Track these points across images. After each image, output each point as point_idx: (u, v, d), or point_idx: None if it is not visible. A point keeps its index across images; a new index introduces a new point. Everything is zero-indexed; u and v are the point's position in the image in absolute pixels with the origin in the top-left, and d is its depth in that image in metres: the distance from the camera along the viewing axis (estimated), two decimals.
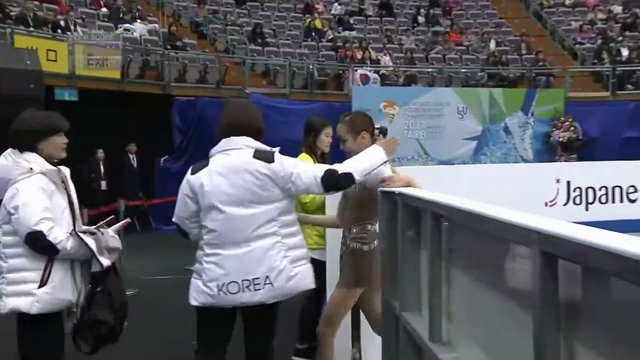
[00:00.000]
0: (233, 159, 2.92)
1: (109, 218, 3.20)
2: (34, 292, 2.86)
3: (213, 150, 3.00)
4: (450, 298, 1.96)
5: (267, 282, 2.86)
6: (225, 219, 2.88)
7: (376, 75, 15.66)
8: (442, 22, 19.17)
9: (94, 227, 3.02)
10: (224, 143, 2.98)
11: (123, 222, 3.36)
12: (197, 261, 2.99)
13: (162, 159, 13.17)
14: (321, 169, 2.98)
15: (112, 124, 11.87)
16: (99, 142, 12.23)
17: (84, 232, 2.95)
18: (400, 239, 2.51)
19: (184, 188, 2.99)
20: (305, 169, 2.97)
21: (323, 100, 14.82)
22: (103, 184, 12.18)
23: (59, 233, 2.87)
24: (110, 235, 3.03)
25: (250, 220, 2.87)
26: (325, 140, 4.33)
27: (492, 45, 17.92)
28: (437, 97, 15.00)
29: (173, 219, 3.03)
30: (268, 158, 2.94)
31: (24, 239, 2.83)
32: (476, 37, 18.63)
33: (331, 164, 3.15)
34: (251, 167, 2.90)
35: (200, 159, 3.11)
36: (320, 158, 4.25)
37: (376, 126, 3.78)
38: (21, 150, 2.94)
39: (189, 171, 3.00)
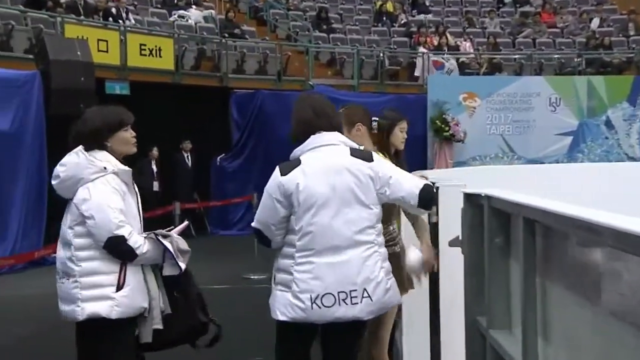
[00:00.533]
0: (331, 158, 2.95)
1: (169, 228, 3.26)
2: (113, 295, 2.97)
3: (301, 148, 3.01)
4: (547, 315, 1.89)
5: (365, 295, 2.86)
6: (322, 223, 2.89)
7: (454, 64, 15.46)
8: (532, 1, 18.71)
9: (166, 229, 3.16)
10: (315, 140, 2.99)
11: (183, 225, 3.48)
12: (280, 271, 2.98)
13: (218, 158, 13.41)
14: (420, 180, 3.04)
15: (165, 120, 12.19)
16: (151, 139, 12.57)
17: (157, 234, 3.08)
18: (487, 248, 2.45)
19: (272, 191, 2.98)
20: (405, 175, 3.03)
21: (395, 92, 14.77)
22: (155, 185, 12.50)
23: (138, 237, 3.01)
24: (179, 237, 3.13)
25: (350, 224, 2.90)
26: (399, 135, 4.33)
27: (594, 25, 17.31)
28: (526, 87, 14.71)
29: (253, 224, 3.04)
30: (367, 157, 2.98)
31: (103, 243, 2.96)
32: (573, 17, 18.09)
33: (408, 165, 3.18)
34: (353, 166, 2.93)
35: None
36: (394, 156, 4.23)
37: (373, 119, 3.87)
38: (90, 149, 3.06)
39: (277, 172, 2.99)
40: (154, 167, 12.66)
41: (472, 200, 2.69)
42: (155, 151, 12.64)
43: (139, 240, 2.99)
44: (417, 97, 14.59)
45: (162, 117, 11.97)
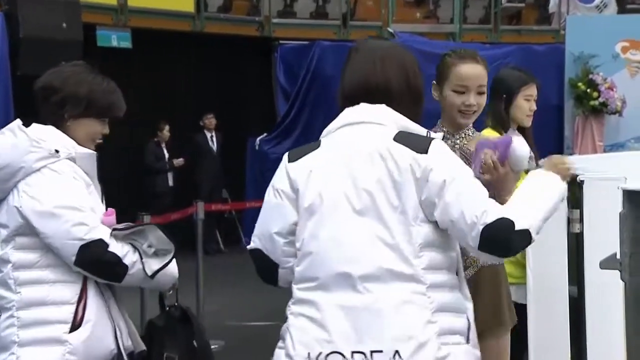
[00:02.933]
0: (361, 140, 2.79)
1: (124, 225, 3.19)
2: (65, 338, 2.98)
3: (330, 127, 2.93)
4: None
5: None
6: (333, 238, 2.71)
7: None
8: None
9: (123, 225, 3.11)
10: (347, 114, 2.88)
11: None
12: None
13: (258, 139, 13.52)
14: (493, 209, 2.65)
15: (181, 85, 12.36)
16: (161, 113, 12.73)
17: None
18: None
19: (278, 183, 2.90)
20: (475, 196, 2.67)
21: (516, 41, 14.58)
22: (169, 178, 12.67)
23: (119, 244, 3.00)
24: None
25: (379, 244, 2.68)
26: (524, 106, 4.35)
27: None
28: None
29: (250, 246, 2.92)
30: (419, 145, 2.74)
31: (74, 258, 2.96)
32: None
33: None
34: (391, 154, 2.73)
35: (317, 137, 3.09)
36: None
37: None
38: (37, 124, 3.08)
39: (285, 158, 2.94)
40: (166, 153, 12.83)
41: (637, 201, 2.65)
42: (166, 130, 12.80)
43: (125, 247, 2.99)
44: (550, 48, 14.36)
45: (176, 81, 12.15)
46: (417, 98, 2.91)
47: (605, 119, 14.00)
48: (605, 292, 3.76)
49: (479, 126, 4.09)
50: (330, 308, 2.67)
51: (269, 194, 2.92)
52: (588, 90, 13.79)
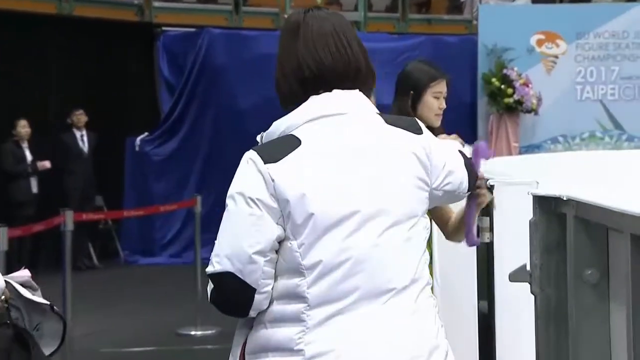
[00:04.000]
0: (355, 132, 2.75)
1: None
2: None
3: (292, 118, 2.78)
4: None
5: None
6: (361, 248, 2.66)
7: None
8: None
9: None
10: (322, 102, 2.77)
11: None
12: (269, 353, 2.71)
13: (138, 139, 13.38)
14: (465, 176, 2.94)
15: (43, 77, 12.15)
16: (19, 108, 12.40)
17: None
18: (572, 283, 2.49)
19: (252, 191, 2.69)
20: (454, 153, 2.95)
21: (425, 32, 14.76)
22: (33, 184, 12.44)
23: None
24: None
25: (403, 251, 2.70)
26: (433, 104, 4.36)
27: None
28: None
29: (214, 267, 2.70)
30: (414, 125, 2.84)
31: None
32: None
33: None
34: (405, 145, 2.76)
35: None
36: None
37: None
38: None
39: (256, 158, 2.71)
40: (28, 155, 12.54)
41: (548, 208, 2.73)
42: (24, 126, 12.26)
43: None
44: (462, 40, 14.60)
45: (38, 72, 11.93)
46: (374, 78, 2.91)
47: (520, 117, 14.25)
48: (516, 307, 3.81)
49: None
50: (363, 328, 2.63)
51: (237, 204, 2.69)
52: (502, 86, 14.01)
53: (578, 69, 14.61)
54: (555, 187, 2.83)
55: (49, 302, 2.89)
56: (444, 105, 4.40)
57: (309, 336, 2.60)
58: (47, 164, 12.37)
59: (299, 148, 2.68)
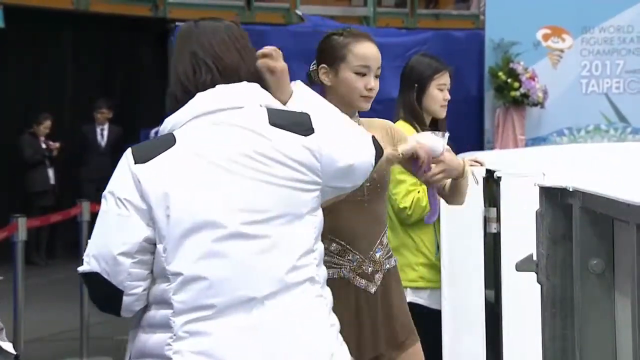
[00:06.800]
0: (232, 132, 2.63)
1: None
2: None
3: (177, 117, 2.69)
4: None
5: None
6: (227, 255, 2.55)
7: None
8: None
9: None
10: (205, 99, 2.67)
11: None
12: (143, 355, 2.65)
13: (152, 131, 13.37)
14: (367, 136, 2.84)
15: (63, 72, 12.18)
16: (41, 103, 12.47)
17: None
18: (578, 274, 2.49)
19: (121, 191, 2.61)
20: (355, 133, 2.82)
21: (434, 27, 14.74)
22: (50, 175, 12.46)
23: None
24: None
25: (278, 253, 2.58)
26: (437, 96, 4.39)
27: None
28: None
29: (84, 268, 2.63)
30: (301, 125, 2.67)
31: None
32: None
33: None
34: (275, 146, 2.60)
35: None
36: (430, 128, 4.27)
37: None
38: None
39: (128, 158, 2.67)
40: (44, 146, 12.56)
41: (555, 199, 2.72)
42: (47, 122, 12.51)
43: None
44: (470, 34, 14.55)
45: (54, 67, 11.96)
46: (256, 76, 2.82)
47: (526, 111, 14.20)
48: (523, 296, 3.84)
49: (391, 117, 4.15)
50: (227, 336, 2.53)
51: (107, 203, 2.63)
52: (509, 80, 13.98)
53: (583, 63, 14.56)
54: (561, 179, 2.83)
55: (15, 352, 2.79)
56: (448, 97, 4.43)
57: (177, 344, 2.52)
58: (56, 145, 12.39)
59: (171, 148, 2.60)
